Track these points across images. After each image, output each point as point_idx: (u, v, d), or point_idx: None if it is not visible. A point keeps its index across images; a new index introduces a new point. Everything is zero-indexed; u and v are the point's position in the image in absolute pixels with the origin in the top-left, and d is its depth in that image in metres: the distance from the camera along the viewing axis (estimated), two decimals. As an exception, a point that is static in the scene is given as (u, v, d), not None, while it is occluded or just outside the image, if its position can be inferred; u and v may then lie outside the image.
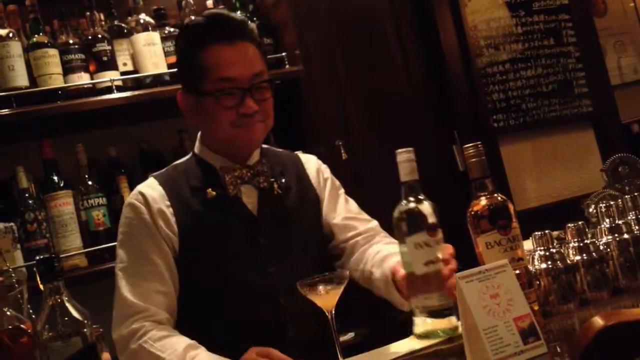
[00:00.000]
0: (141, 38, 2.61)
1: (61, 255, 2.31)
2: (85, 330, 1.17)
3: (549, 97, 3.17)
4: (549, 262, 1.45)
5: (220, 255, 1.67)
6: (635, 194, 1.59)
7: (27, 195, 2.40)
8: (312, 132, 2.82)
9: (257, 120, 1.67)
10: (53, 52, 2.46)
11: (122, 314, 1.60)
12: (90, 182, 2.49)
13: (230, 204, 1.70)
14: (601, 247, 1.52)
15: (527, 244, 1.45)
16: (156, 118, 2.77)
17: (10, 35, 2.41)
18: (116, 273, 1.65)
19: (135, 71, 2.61)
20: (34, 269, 1.29)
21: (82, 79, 2.50)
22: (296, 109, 2.82)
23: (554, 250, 1.47)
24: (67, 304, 1.18)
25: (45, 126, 2.54)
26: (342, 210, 1.84)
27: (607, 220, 1.56)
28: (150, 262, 1.63)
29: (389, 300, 1.64)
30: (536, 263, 1.46)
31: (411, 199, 1.48)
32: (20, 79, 2.40)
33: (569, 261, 1.47)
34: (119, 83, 2.55)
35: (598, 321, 0.98)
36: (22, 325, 1.12)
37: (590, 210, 1.91)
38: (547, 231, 1.49)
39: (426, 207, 1.47)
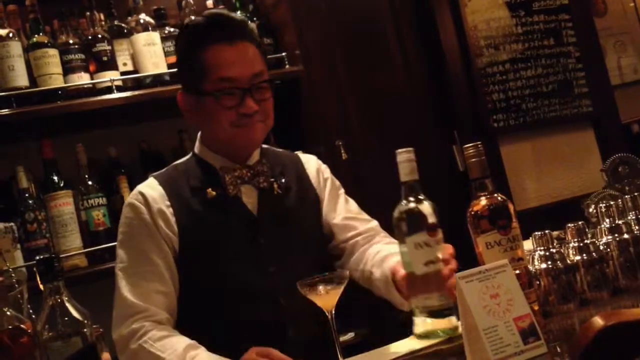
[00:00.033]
0: (141, 38, 2.61)
1: (61, 255, 2.31)
2: (85, 330, 1.17)
3: (549, 97, 3.17)
4: (549, 262, 1.45)
5: (220, 255, 1.67)
6: (635, 194, 1.59)
7: (27, 195, 2.40)
8: (312, 132, 2.82)
9: (257, 120, 1.67)
10: (53, 52, 2.46)
11: (122, 314, 1.60)
12: (90, 182, 2.49)
13: (230, 204, 1.69)
14: (601, 247, 1.52)
15: (527, 244, 1.45)
16: (156, 118, 2.77)
17: (10, 35, 2.41)
18: (116, 273, 1.65)
19: (135, 71, 2.61)
20: (34, 269, 1.29)
21: (82, 79, 2.50)
22: (296, 109, 2.82)
23: (554, 250, 1.47)
24: (67, 304, 1.18)
25: (45, 126, 2.54)
26: (342, 210, 1.84)
27: (607, 220, 1.56)
28: (150, 262, 1.63)
29: (389, 300, 1.64)
30: (536, 263, 1.46)
31: (411, 199, 1.48)
32: (20, 79, 2.40)
33: (569, 261, 1.47)
34: (119, 83, 2.55)
35: (598, 321, 0.98)
36: (22, 325, 1.12)
37: (590, 210, 1.91)
38: (547, 231, 1.49)
39: (426, 207, 1.46)
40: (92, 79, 2.53)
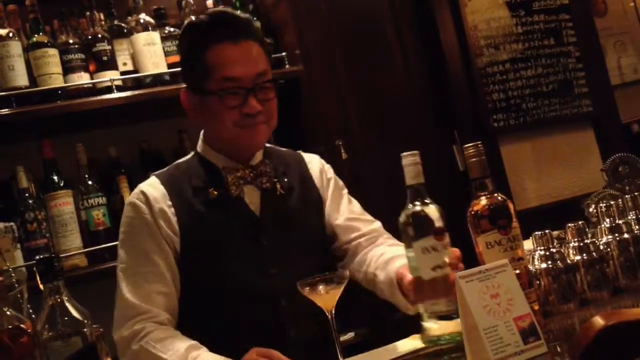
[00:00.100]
0: (141, 38, 2.61)
1: (61, 255, 2.30)
2: (85, 330, 1.17)
3: (549, 97, 3.17)
4: (549, 262, 1.45)
5: (221, 255, 1.66)
6: (636, 193, 1.59)
7: (27, 195, 2.40)
8: (312, 132, 2.82)
9: (260, 121, 1.66)
10: (53, 52, 2.45)
11: (124, 315, 1.59)
12: (90, 182, 2.49)
13: (233, 205, 1.69)
14: (601, 247, 1.52)
15: (527, 244, 1.45)
16: (156, 118, 2.77)
17: (10, 35, 2.41)
18: (117, 273, 1.65)
19: (135, 71, 2.61)
20: (34, 268, 1.28)
21: (82, 78, 2.49)
22: (296, 109, 2.82)
23: (554, 250, 1.47)
24: (67, 304, 1.18)
25: (45, 126, 2.53)
26: (345, 211, 1.82)
27: (607, 220, 1.56)
28: (151, 262, 1.62)
29: (394, 303, 1.61)
30: (536, 263, 1.46)
31: (417, 202, 1.43)
32: (20, 78, 2.40)
33: (569, 261, 1.47)
34: (119, 83, 2.55)
35: (598, 321, 0.98)
36: (22, 325, 1.12)
37: (591, 210, 1.91)
38: (547, 231, 1.49)
39: (433, 211, 1.42)
40: (92, 78, 2.52)
